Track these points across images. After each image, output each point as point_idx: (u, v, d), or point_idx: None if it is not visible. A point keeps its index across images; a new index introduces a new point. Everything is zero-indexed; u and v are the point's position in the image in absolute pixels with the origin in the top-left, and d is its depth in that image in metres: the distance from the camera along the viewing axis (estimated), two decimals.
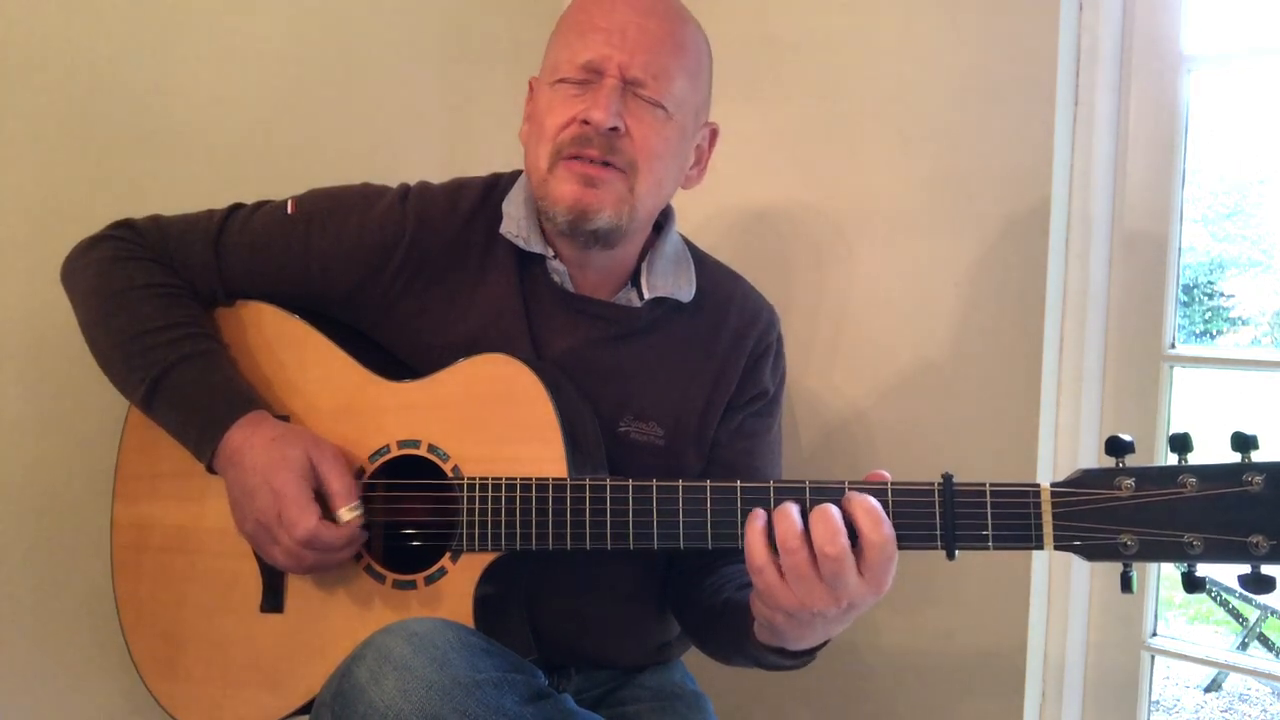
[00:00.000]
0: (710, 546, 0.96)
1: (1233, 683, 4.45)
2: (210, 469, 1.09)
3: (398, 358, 1.16)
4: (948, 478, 0.91)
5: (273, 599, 1.11)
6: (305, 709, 1.08)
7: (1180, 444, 0.87)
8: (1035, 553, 1.42)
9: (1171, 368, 1.40)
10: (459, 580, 1.04)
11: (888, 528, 0.88)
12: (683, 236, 1.26)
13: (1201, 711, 4.32)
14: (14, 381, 1.30)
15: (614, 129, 1.06)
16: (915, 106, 1.51)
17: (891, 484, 0.92)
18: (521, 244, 1.14)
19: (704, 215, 1.69)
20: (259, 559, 1.11)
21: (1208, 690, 4.44)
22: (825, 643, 1.01)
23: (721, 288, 1.24)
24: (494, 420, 1.05)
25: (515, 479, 1.02)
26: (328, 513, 1.03)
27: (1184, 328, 1.44)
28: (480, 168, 1.26)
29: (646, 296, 1.17)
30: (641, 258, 1.19)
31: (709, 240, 1.37)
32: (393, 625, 0.93)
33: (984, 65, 1.44)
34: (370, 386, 1.11)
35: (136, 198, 1.32)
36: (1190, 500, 0.85)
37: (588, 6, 1.11)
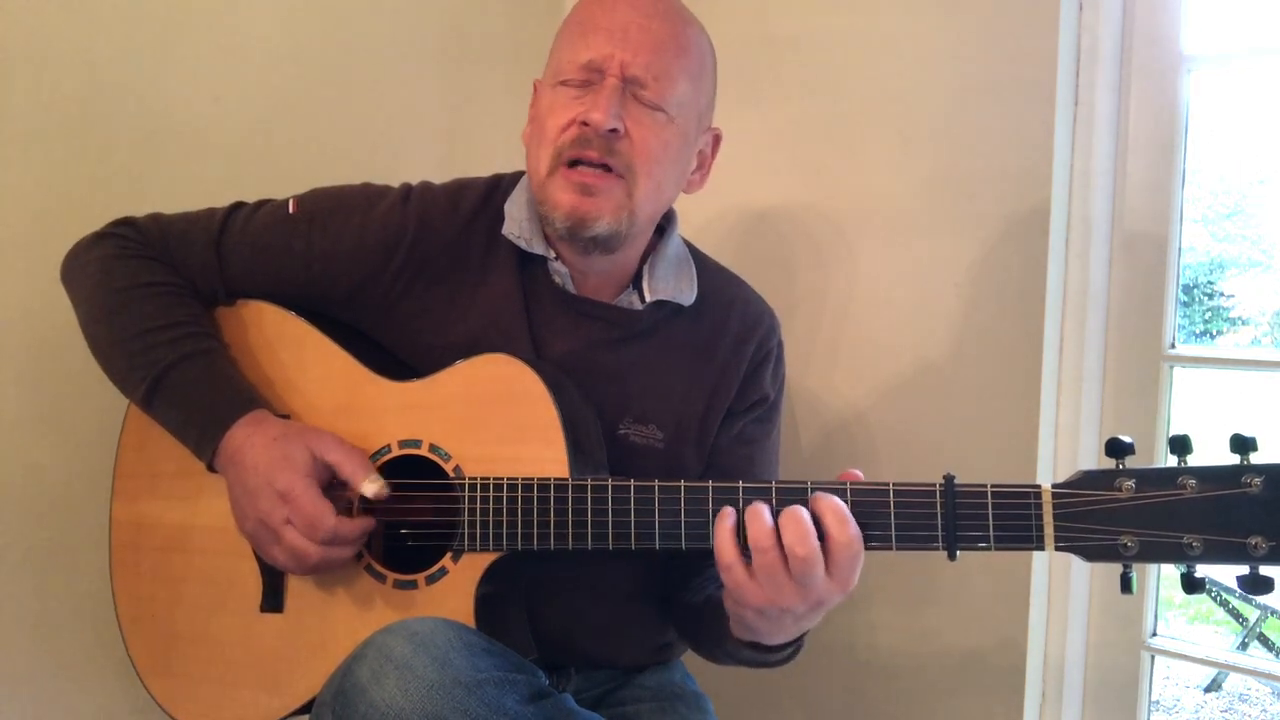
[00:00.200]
0: (710, 547, 0.96)
1: (1233, 683, 4.45)
2: (211, 468, 1.09)
3: (399, 358, 1.16)
4: (949, 479, 0.91)
5: (273, 598, 1.11)
6: (305, 709, 1.08)
7: (1180, 445, 0.88)
8: (1035, 553, 1.42)
9: (1171, 368, 1.40)
10: (460, 580, 1.04)
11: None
12: (684, 239, 1.26)
13: (1201, 711, 4.32)
14: (14, 381, 1.30)
15: (613, 130, 1.06)
16: (915, 106, 1.51)
17: (893, 484, 0.92)
18: (523, 245, 1.14)
19: (704, 216, 1.69)
20: (259, 558, 1.11)
21: (1208, 690, 4.44)
22: (802, 639, 1.02)
23: (723, 292, 1.24)
24: (496, 420, 1.05)
25: (517, 479, 1.02)
26: (337, 506, 1.03)
27: (1184, 328, 1.44)
28: (480, 168, 1.26)
29: (648, 299, 1.17)
30: (643, 260, 1.19)
31: (709, 241, 1.37)
32: (394, 625, 0.93)
33: (984, 65, 1.44)
34: (371, 386, 1.11)
35: (137, 197, 1.32)
36: (1190, 502, 0.86)
37: (590, 7, 1.11)
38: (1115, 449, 0.89)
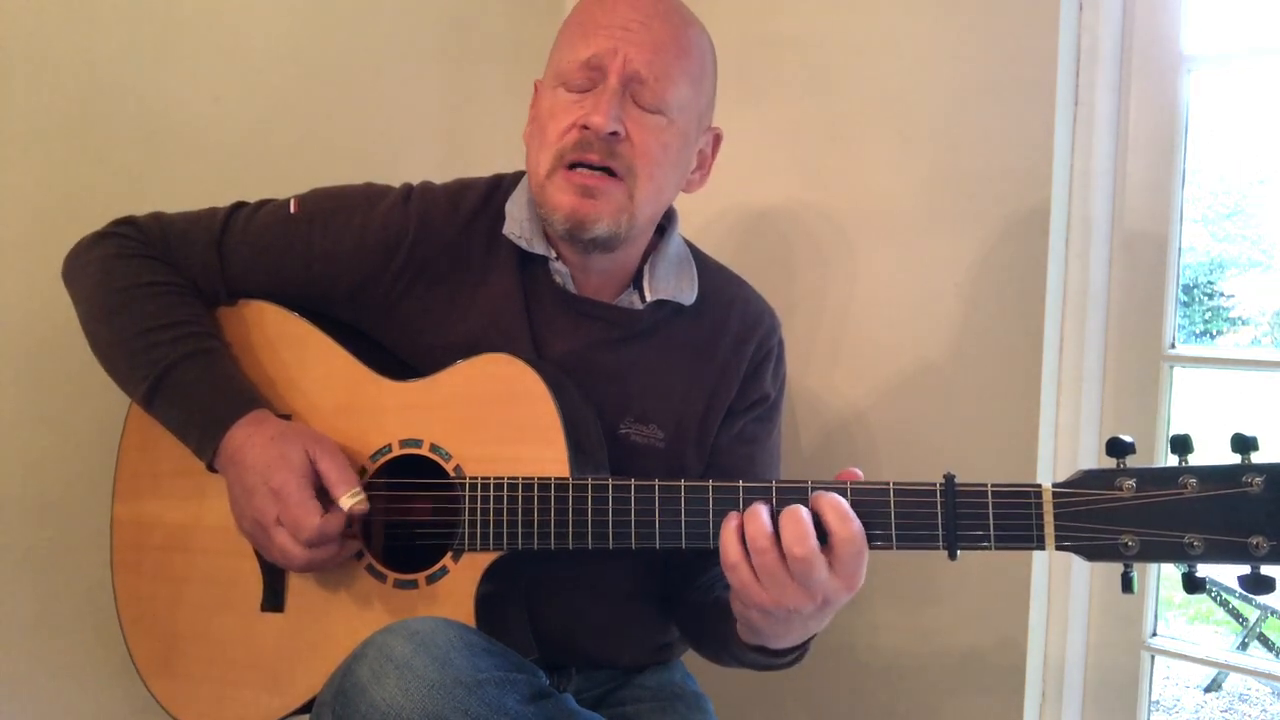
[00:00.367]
0: (711, 546, 0.96)
1: (1233, 683, 4.45)
2: (211, 467, 1.09)
3: (399, 357, 1.16)
4: (949, 478, 0.91)
5: (273, 598, 1.11)
6: (306, 708, 1.08)
7: (1181, 445, 0.88)
8: (1035, 553, 1.42)
9: (1171, 368, 1.40)
10: (460, 580, 1.04)
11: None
12: (685, 239, 1.26)
13: (1201, 711, 4.32)
14: (14, 381, 1.30)
15: (614, 133, 1.06)
16: (915, 106, 1.51)
17: (894, 484, 0.92)
18: (524, 245, 1.14)
19: (705, 216, 1.70)
20: (260, 558, 1.11)
21: (1208, 690, 4.44)
22: (809, 643, 1.02)
23: (723, 291, 1.24)
24: (496, 420, 1.05)
25: (517, 479, 1.02)
26: (328, 510, 1.03)
27: (1184, 328, 1.44)
28: (480, 168, 1.26)
29: (648, 299, 1.17)
30: (644, 260, 1.19)
31: (709, 241, 1.37)
32: (394, 624, 0.93)
33: (984, 65, 1.44)
34: (372, 386, 1.11)
35: (137, 197, 1.32)
36: (1191, 501, 0.86)
37: (590, 7, 1.11)
38: (1116, 448, 0.89)
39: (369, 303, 1.16)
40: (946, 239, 1.48)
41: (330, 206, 1.16)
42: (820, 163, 1.61)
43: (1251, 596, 4.26)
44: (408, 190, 1.19)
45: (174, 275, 1.15)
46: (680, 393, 1.18)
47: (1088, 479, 0.89)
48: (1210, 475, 0.86)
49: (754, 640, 1.00)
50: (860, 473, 0.94)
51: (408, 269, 1.15)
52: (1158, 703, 4.21)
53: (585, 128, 1.06)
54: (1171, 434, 0.90)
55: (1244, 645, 4.36)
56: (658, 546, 0.98)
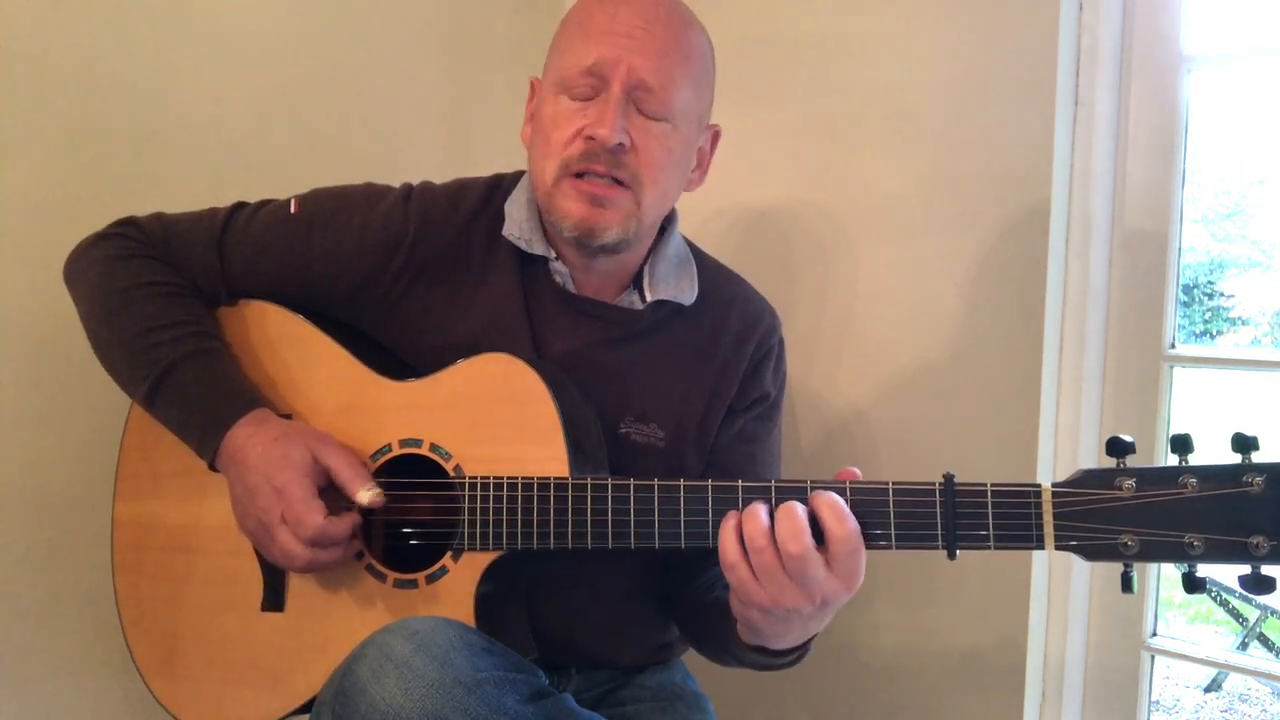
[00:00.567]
0: (710, 546, 0.96)
1: (1233, 683, 4.45)
2: (212, 467, 1.09)
3: (400, 357, 1.16)
4: (949, 478, 0.91)
5: (274, 598, 1.11)
6: (306, 708, 1.08)
7: (1181, 445, 0.87)
8: (1035, 553, 1.42)
9: (1171, 368, 1.40)
10: (460, 579, 1.04)
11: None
12: (685, 238, 1.26)
13: (1201, 711, 4.32)
14: (14, 381, 1.30)
15: (619, 144, 1.06)
16: (915, 106, 1.51)
17: (893, 484, 0.92)
18: (524, 246, 1.14)
19: (704, 215, 1.70)
20: (260, 558, 1.11)
21: (1208, 690, 4.44)
22: (808, 644, 1.02)
23: (723, 290, 1.24)
24: (496, 419, 1.05)
25: (517, 478, 1.02)
26: (332, 509, 1.03)
27: (1184, 328, 1.44)
28: (481, 168, 1.26)
29: (648, 299, 1.17)
30: (644, 260, 1.19)
31: (710, 240, 1.37)
32: (394, 624, 0.93)
33: (984, 65, 1.44)
34: (372, 386, 1.11)
35: (137, 197, 1.32)
36: (1191, 501, 0.86)
37: (592, 12, 1.10)
38: (1116, 448, 0.89)
39: (369, 303, 1.16)
40: (946, 239, 1.48)
41: (330, 207, 1.17)
42: (820, 162, 1.61)
43: (1252, 596, 4.26)
44: (407, 190, 1.19)
45: (175, 276, 1.15)
46: (680, 392, 1.18)
47: (1087, 479, 0.89)
48: (1210, 475, 0.86)
49: (754, 640, 1.00)
50: (859, 472, 0.94)
51: (408, 269, 1.15)
52: (1158, 703, 4.21)
53: (591, 139, 1.06)
54: (1171, 434, 0.90)
55: (1244, 645, 4.36)
56: (657, 546, 0.98)
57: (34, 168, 1.29)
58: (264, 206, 1.19)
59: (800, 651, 1.03)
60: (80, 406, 1.33)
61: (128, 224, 1.18)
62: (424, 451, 1.07)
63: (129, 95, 1.37)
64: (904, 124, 1.52)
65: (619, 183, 1.08)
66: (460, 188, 1.20)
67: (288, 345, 1.16)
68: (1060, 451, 1.45)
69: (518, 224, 1.15)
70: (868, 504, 0.92)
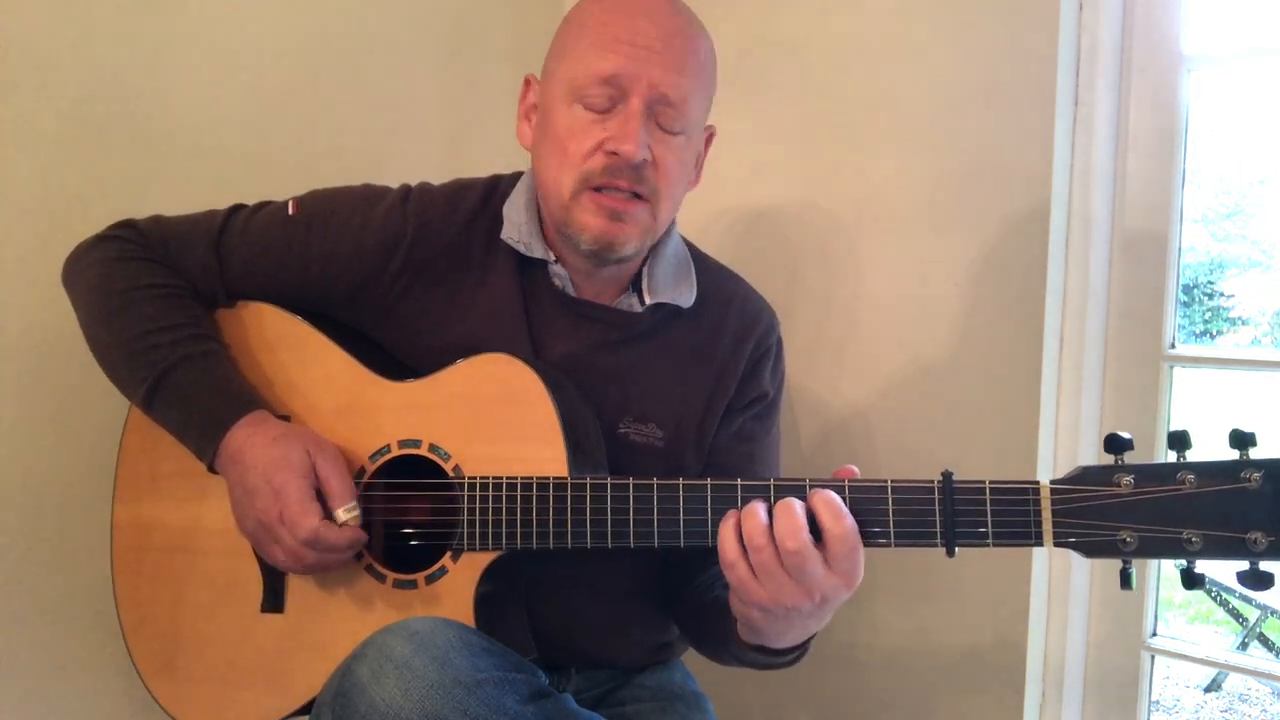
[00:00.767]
0: (710, 545, 0.96)
1: (1233, 683, 4.45)
2: (211, 468, 1.09)
3: (398, 358, 1.16)
4: (947, 475, 0.91)
5: (273, 599, 1.11)
6: (306, 709, 1.08)
7: (1179, 441, 0.87)
8: (1035, 553, 1.42)
9: (1171, 368, 1.40)
10: (459, 579, 1.04)
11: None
12: (683, 238, 1.26)
13: (1201, 711, 4.32)
14: (14, 381, 1.30)
15: (643, 160, 1.06)
16: (915, 107, 1.51)
17: (891, 481, 0.92)
18: (523, 250, 1.14)
19: (705, 216, 1.70)
20: (260, 559, 1.11)
21: (1208, 690, 4.44)
22: (808, 643, 1.02)
23: (722, 290, 1.24)
24: (495, 420, 1.05)
25: (516, 478, 1.02)
26: (328, 512, 1.03)
27: (1184, 328, 1.44)
28: (480, 168, 1.26)
29: (647, 302, 1.17)
30: (643, 263, 1.19)
31: (709, 241, 1.37)
32: (393, 625, 0.93)
33: (984, 65, 1.44)
34: (371, 386, 1.11)
35: (136, 198, 1.33)
36: (1189, 497, 0.86)
37: (606, 19, 1.08)
38: (1114, 445, 0.89)
39: (367, 304, 1.16)
40: (946, 239, 1.48)
41: (328, 208, 1.17)
42: (820, 162, 1.61)
43: (1251, 596, 4.26)
44: (405, 191, 1.19)
45: (173, 278, 1.15)
46: (679, 393, 1.18)
47: (1086, 475, 0.89)
48: (1208, 471, 0.86)
49: (754, 640, 1.00)
50: (857, 470, 0.94)
51: (406, 270, 1.15)
52: (1158, 703, 4.21)
53: (614, 154, 1.06)
54: (1170, 430, 0.90)
55: (1244, 645, 4.36)
56: (656, 545, 0.98)
57: (34, 168, 1.29)
58: (262, 208, 1.19)
59: (800, 651, 1.03)
60: (80, 408, 1.33)
61: (126, 226, 1.18)
62: (423, 452, 1.07)
63: (129, 95, 1.37)
64: (904, 124, 1.52)
65: (637, 196, 1.08)
66: (458, 188, 1.20)
67: (286, 346, 1.16)
68: (1060, 451, 1.45)
69: (516, 227, 1.15)
70: (866, 502, 0.92)
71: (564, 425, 1.03)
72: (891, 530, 0.92)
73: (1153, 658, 1.43)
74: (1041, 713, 1.47)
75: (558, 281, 1.16)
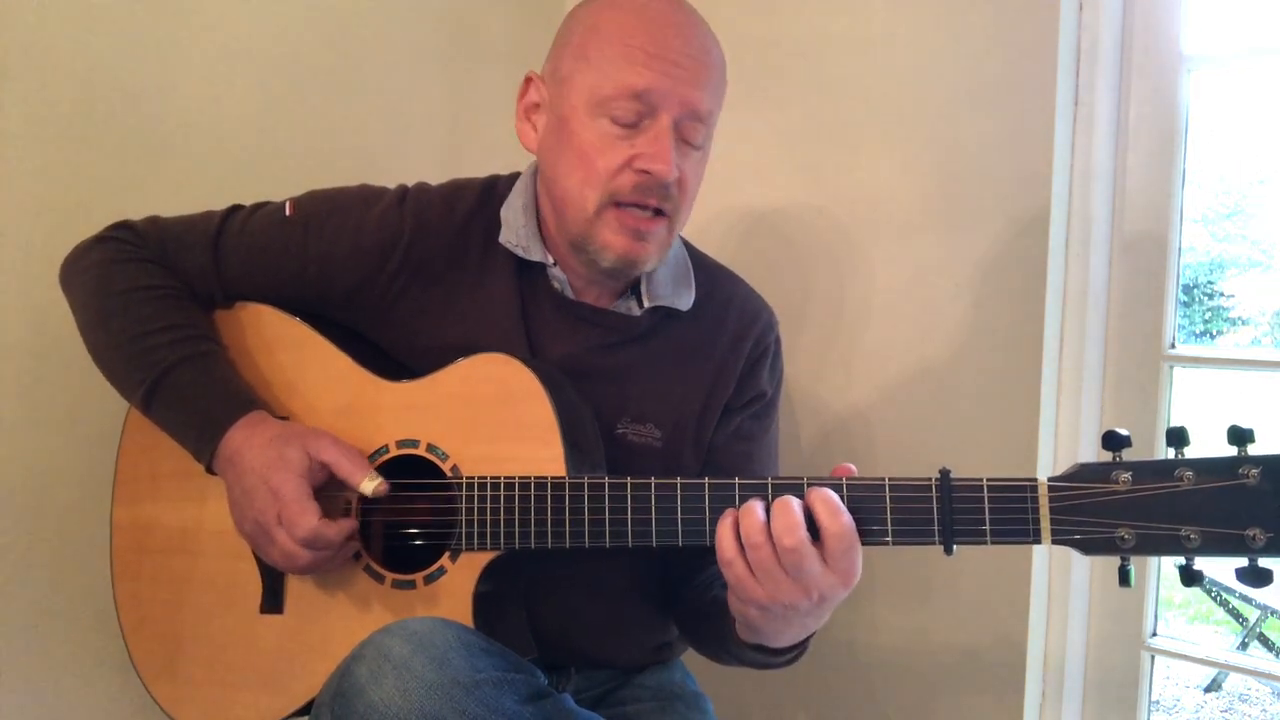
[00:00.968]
0: (708, 544, 0.96)
1: (1233, 683, 4.45)
2: (210, 469, 1.09)
3: (396, 359, 1.16)
4: (945, 473, 0.91)
5: (272, 600, 1.11)
6: (305, 709, 1.08)
7: (1177, 438, 0.87)
8: (1035, 553, 1.42)
9: (1171, 368, 1.40)
10: (458, 579, 1.04)
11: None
12: (682, 239, 1.26)
13: (1201, 711, 4.32)
14: (14, 382, 1.30)
15: (675, 179, 1.06)
16: (915, 107, 1.51)
17: (889, 479, 0.92)
18: (521, 253, 1.14)
19: (704, 216, 1.69)
20: (259, 560, 1.11)
21: (1208, 690, 4.44)
22: (807, 642, 1.02)
23: (720, 289, 1.24)
24: (493, 419, 1.05)
25: (514, 478, 1.02)
26: (327, 510, 1.03)
27: (1184, 328, 1.44)
28: (480, 168, 1.26)
29: (646, 305, 1.17)
30: None
31: (709, 240, 1.37)
32: (392, 625, 0.93)
33: (984, 65, 1.44)
34: (369, 387, 1.11)
35: (136, 198, 1.33)
36: (1187, 494, 0.85)
37: (633, 30, 1.06)
38: (1112, 442, 0.88)
39: (365, 304, 1.16)
40: (947, 239, 1.48)
41: (325, 209, 1.16)
42: (820, 163, 1.61)
43: (1251, 596, 4.25)
44: (403, 192, 1.19)
45: (171, 279, 1.15)
46: (677, 393, 1.18)
47: (1083, 472, 0.89)
48: (1206, 467, 0.85)
49: (752, 639, 1.00)
50: (854, 468, 0.94)
51: (403, 270, 1.15)
52: (1158, 703, 4.21)
53: (646, 173, 1.05)
54: (1169, 426, 0.90)
55: (1244, 645, 4.35)
56: (655, 544, 0.98)
57: (34, 168, 1.29)
58: (259, 209, 1.18)
59: (799, 650, 1.03)
60: (80, 409, 1.33)
61: (123, 227, 1.18)
62: (421, 452, 1.07)
63: (129, 95, 1.36)
64: (904, 124, 1.52)
65: (659, 213, 1.08)
66: (455, 189, 1.20)
67: (284, 347, 1.16)
68: (1060, 451, 1.45)
69: (514, 230, 1.15)
70: (864, 500, 0.92)
71: (562, 425, 1.03)
72: (889, 528, 0.92)
73: (1153, 658, 1.43)
74: (1041, 713, 1.47)
75: (556, 284, 1.16)
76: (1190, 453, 0.87)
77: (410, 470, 1.08)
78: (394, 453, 1.08)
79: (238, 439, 1.06)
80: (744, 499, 0.94)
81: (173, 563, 1.16)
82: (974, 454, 1.46)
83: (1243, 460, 0.85)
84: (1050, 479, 0.89)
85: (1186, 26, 1.36)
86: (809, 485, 0.93)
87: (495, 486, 1.03)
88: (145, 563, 1.18)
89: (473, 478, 1.04)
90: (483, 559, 1.03)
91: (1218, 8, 1.39)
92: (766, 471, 1.24)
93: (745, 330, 1.22)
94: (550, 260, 1.15)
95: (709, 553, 0.95)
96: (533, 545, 1.01)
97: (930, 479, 0.91)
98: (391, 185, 1.20)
